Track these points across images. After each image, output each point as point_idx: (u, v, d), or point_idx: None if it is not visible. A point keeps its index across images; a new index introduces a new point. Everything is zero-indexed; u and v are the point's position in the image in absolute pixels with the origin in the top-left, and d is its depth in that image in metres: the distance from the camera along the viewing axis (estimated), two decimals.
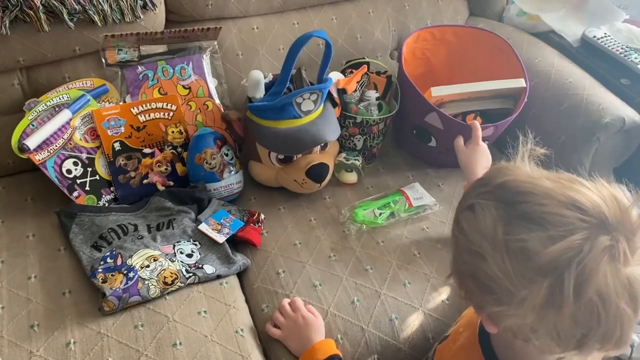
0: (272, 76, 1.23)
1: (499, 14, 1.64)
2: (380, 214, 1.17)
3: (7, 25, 1.09)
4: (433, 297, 1.04)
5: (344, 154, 1.27)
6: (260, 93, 1.18)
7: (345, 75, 1.31)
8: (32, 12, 1.10)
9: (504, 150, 1.37)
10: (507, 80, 1.29)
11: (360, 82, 1.31)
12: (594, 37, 1.48)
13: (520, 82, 1.28)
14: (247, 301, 1.05)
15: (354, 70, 1.32)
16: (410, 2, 1.53)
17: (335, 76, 1.27)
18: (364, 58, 1.37)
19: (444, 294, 1.05)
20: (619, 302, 0.56)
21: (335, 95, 1.24)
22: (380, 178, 1.30)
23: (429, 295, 1.04)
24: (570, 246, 0.55)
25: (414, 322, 1.00)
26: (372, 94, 1.29)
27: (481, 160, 1.12)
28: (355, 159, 1.26)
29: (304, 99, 1.13)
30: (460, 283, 0.68)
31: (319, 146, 1.19)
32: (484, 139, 1.17)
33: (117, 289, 0.96)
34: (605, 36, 1.48)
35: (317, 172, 1.16)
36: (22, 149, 1.10)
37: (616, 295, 0.56)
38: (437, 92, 1.24)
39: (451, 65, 1.42)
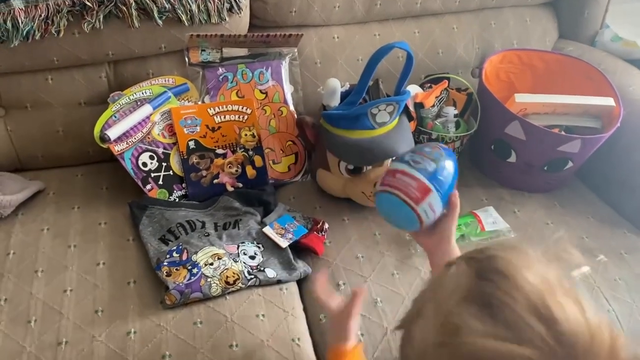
0: (349, 86, 1.22)
1: (592, 38, 1.55)
2: None
3: (101, 19, 1.14)
4: None
5: None
6: (335, 101, 1.17)
7: (423, 90, 1.29)
8: (125, 8, 1.14)
9: (587, 181, 1.31)
10: (595, 97, 1.23)
11: (439, 98, 1.28)
12: None
13: (609, 101, 1.22)
14: (304, 309, 1.03)
15: (433, 85, 1.28)
16: (497, 20, 1.48)
17: (413, 89, 1.24)
18: (446, 73, 1.33)
19: None
20: None
21: (411, 109, 1.21)
22: None
23: None
24: (505, 354, 0.46)
25: None
26: (451, 111, 1.25)
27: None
28: None
29: (379, 110, 1.11)
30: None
31: (390, 159, 1.16)
32: (569, 155, 1.10)
33: (180, 284, 0.97)
34: None
35: None
36: (103, 138, 1.14)
37: None
38: (521, 99, 1.20)
39: (537, 92, 1.36)
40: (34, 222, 1.12)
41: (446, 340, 0.50)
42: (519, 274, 0.50)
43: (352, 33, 1.39)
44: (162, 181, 1.18)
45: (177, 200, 1.18)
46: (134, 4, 1.14)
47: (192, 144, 1.20)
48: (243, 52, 1.28)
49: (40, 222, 1.12)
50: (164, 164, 1.19)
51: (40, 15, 1.10)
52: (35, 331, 0.92)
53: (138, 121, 1.17)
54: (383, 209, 0.89)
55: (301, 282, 1.08)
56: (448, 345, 0.49)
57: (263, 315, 0.97)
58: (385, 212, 0.89)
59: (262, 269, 1.04)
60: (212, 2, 1.19)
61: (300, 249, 1.11)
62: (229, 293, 1.00)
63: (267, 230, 1.10)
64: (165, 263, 1.01)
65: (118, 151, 1.15)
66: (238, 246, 1.07)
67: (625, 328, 0.99)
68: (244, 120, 1.24)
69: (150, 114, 1.19)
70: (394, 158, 0.97)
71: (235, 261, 1.03)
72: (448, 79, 1.31)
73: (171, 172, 1.19)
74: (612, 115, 1.22)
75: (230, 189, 1.20)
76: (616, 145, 1.24)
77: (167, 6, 1.16)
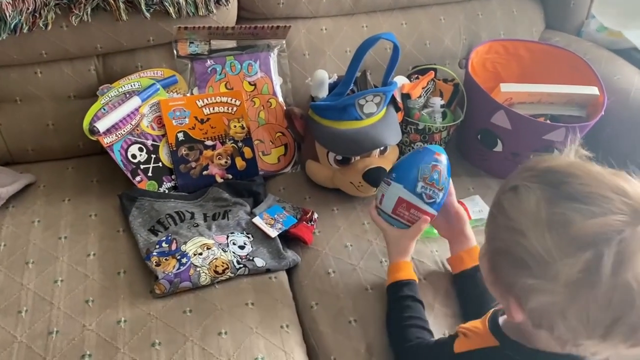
0: (336, 77, 1.23)
1: (578, 28, 1.57)
2: None
3: (89, 12, 1.14)
4: None
5: None
6: (323, 93, 1.18)
7: (410, 81, 1.30)
8: (112, 1, 1.14)
9: None
10: (580, 86, 1.25)
11: (425, 88, 1.29)
12: None
13: (593, 90, 1.24)
14: (294, 298, 1.04)
15: (419, 76, 1.30)
16: (484, 11, 1.50)
17: (400, 80, 1.25)
18: (433, 64, 1.34)
19: None
20: None
21: (398, 99, 1.22)
22: None
23: None
24: (611, 223, 0.56)
25: None
26: (437, 101, 1.26)
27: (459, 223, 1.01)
28: None
29: (366, 101, 1.12)
30: (491, 264, 0.68)
31: (378, 150, 1.17)
32: (554, 144, 1.12)
33: (170, 273, 0.98)
34: None
35: (374, 176, 1.14)
36: (93, 131, 1.14)
37: None
38: (507, 89, 1.22)
39: (523, 82, 1.38)
40: (24, 214, 1.13)
41: (562, 236, 0.58)
42: (582, 170, 0.61)
43: (340, 25, 1.40)
44: (152, 173, 1.18)
45: (166, 191, 1.19)
46: None
47: (180, 136, 1.21)
48: (231, 44, 1.29)
49: (31, 214, 1.13)
50: (153, 156, 1.19)
51: (28, 9, 1.11)
52: (26, 321, 0.93)
53: (127, 113, 1.18)
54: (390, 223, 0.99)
55: (291, 271, 1.09)
56: (567, 235, 0.58)
57: (252, 304, 0.98)
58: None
59: (251, 258, 1.05)
60: None
61: (289, 239, 1.13)
62: (218, 282, 1.01)
63: (257, 220, 1.11)
64: (155, 253, 1.02)
65: (107, 143, 1.15)
66: (227, 236, 1.08)
67: None
68: (233, 112, 1.24)
69: (139, 106, 1.19)
70: (398, 179, 0.96)
71: (225, 251, 1.04)
72: (435, 70, 1.32)
73: (160, 164, 1.20)
74: (596, 104, 1.24)
75: (219, 180, 1.21)
76: (601, 134, 1.25)
77: None
